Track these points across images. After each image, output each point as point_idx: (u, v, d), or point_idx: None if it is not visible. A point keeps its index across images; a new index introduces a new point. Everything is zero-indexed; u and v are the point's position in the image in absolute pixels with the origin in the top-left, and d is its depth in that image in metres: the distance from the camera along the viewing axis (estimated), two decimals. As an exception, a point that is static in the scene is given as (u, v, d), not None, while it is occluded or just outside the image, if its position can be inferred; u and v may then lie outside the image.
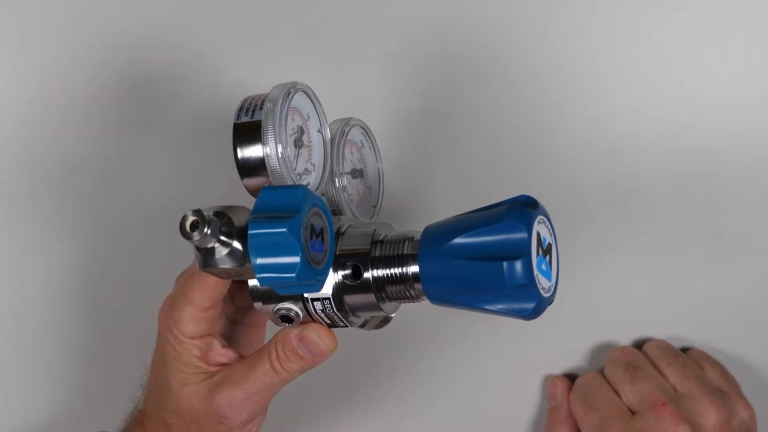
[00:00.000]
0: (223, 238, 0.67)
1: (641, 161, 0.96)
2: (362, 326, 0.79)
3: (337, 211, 0.77)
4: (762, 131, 0.94)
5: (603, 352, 0.99)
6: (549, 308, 0.72)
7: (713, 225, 0.96)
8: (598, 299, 0.98)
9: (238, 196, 0.72)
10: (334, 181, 0.77)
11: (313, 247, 0.68)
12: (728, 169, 0.95)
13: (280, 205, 0.67)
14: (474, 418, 1.02)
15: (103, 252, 1.00)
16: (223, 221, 0.68)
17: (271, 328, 0.80)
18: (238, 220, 0.68)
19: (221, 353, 0.79)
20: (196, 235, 0.66)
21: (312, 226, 0.68)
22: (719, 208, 0.96)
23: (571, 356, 1.00)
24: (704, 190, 0.96)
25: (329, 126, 0.77)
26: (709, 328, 0.99)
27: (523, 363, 1.01)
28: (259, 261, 0.66)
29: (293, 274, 0.66)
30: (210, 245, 0.68)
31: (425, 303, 0.73)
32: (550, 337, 0.98)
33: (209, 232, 0.66)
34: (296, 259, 0.66)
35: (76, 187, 0.99)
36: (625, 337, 0.99)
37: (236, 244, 0.68)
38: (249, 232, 0.66)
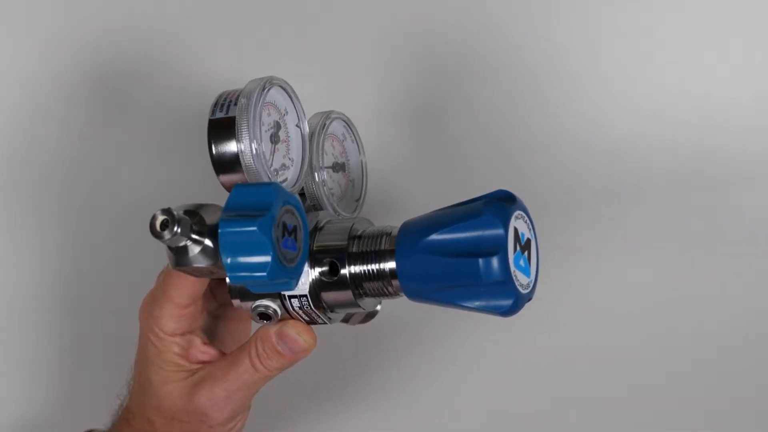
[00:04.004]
0: (194, 236, 0.67)
1: (641, 161, 0.95)
2: (346, 321, 0.78)
3: (318, 206, 0.77)
4: (762, 131, 0.94)
5: (601, 352, 0.98)
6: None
7: (713, 225, 0.96)
8: (598, 299, 0.98)
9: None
10: (313, 176, 0.76)
11: (285, 245, 0.67)
12: (728, 169, 0.95)
13: (251, 203, 0.66)
14: (466, 416, 1.01)
15: (90, 251, 1.01)
16: (195, 220, 0.68)
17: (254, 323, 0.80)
18: (210, 218, 0.68)
19: (202, 351, 0.79)
20: (166, 234, 0.66)
21: (284, 224, 0.68)
22: (719, 207, 0.96)
23: (570, 355, 0.99)
24: (704, 190, 0.95)
25: (310, 120, 0.77)
26: (710, 328, 0.98)
27: (519, 362, 1.00)
28: (230, 260, 0.66)
29: (264, 273, 0.66)
30: (181, 244, 0.68)
31: (411, 298, 0.73)
32: (548, 336, 0.98)
33: (179, 231, 0.66)
34: (267, 258, 0.65)
35: (62, 186, 1.00)
36: (624, 337, 0.98)
37: (208, 243, 0.68)
38: (219, 230, 0.66)
